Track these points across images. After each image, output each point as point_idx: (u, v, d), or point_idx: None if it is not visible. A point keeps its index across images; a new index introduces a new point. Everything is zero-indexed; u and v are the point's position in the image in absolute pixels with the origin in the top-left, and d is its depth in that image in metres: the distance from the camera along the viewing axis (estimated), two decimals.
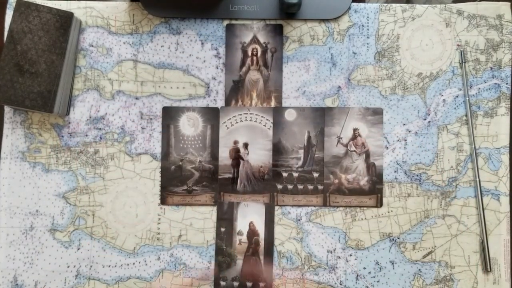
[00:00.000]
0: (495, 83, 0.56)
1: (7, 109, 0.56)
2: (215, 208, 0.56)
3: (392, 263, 0.55)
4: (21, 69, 0.50)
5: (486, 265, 0.54)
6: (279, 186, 0.56)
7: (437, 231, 0.55)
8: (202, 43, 0.57)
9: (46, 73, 0.51)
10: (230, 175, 0.56)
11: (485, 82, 0.56)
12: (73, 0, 0.57)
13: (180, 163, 0.56)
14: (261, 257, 0.55)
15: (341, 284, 0.55)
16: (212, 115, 0.56)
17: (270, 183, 0.56)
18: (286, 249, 0.55)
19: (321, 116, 0.56)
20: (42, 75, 0.51)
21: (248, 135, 0.56)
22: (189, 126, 0.56)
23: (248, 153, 0.56)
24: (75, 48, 0.55)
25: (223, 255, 0.55)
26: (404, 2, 0.58)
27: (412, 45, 0.57)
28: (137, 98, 0.57)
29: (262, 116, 0.56)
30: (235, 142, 0.56)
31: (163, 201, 0.56)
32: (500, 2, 0.57)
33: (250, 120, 0.56)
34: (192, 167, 0.56)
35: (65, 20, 0.51)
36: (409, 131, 0.56)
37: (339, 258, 0.55)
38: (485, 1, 0.57)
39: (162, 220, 0.56)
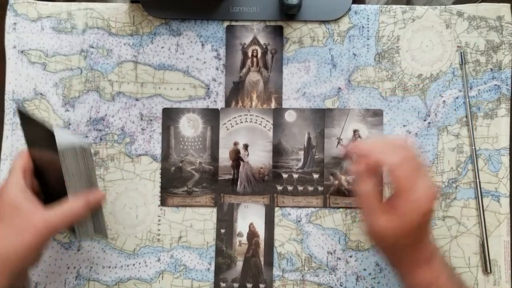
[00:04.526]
0: (495, 85, 0.56)
1: (7, 110, 0.56)
2: (215, 210, 0.56)
3: None
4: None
5: (486, 267, 0.54)
6: (279, 188, 0.56)
7: (437, 233, 0.55)
8: (202, 45, 0.57)
9: None
10: (230, 177, 0.56)
11: (485, 84, 0.56)
12: (73, 1, 0.57)
13: (180, 164, 0.56)
14: (261, 259, 0.55)
15: (341, 286, 0.55)
16: (212, 117, 0.56)
17: (270, 185, 0.56)
18: (286, 250, 0.55)
19: (321, 118, 0.56)
20: None
21: (248, 137, 0.56)
22: (189, 127, 0.56)
23: (248, 155, 0.56)
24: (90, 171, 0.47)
25: (223, 257, 0.55)
26: (404, 4, 0.58)
27: (412, 47, 0.57)
28: (137, 99, 0.57)
29: (262, 118, 0.56)
30: (235, 144, 0.56)
31: (163, 203, 0.56)
32: (500, 4, 0.57)
33: (250, 121, 0.56)
34: (192, 168, 0.56)
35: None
36: (409, 132, 0.56)
37: (339, 259, 0.55)
38: (485, 3, 0.57)
39: (162, 221, 0.56)
